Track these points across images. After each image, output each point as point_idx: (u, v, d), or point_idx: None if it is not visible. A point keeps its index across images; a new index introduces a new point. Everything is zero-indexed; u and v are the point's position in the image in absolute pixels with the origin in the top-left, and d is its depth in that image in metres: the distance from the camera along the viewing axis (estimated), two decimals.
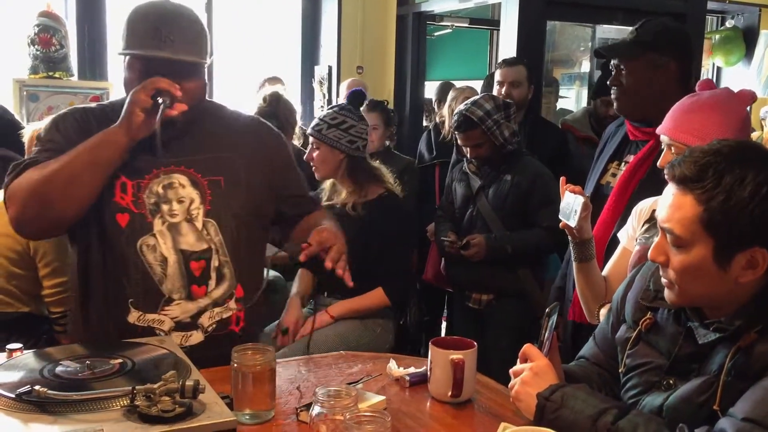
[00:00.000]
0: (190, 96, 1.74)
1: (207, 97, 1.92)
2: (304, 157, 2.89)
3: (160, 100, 1.66)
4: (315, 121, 2.84)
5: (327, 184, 2.90)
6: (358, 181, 2.76)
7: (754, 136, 5.28)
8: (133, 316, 1.76)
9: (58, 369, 1.40)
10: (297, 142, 3.54)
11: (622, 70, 2.28)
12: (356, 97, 2.88)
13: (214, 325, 1.82)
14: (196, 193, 1.80)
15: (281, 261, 2.94)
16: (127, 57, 1.77)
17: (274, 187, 1.95)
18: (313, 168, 2.84)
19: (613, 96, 2.33)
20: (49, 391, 1.24)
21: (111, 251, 1.76)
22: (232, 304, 1.86)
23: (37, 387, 1.24)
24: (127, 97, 1.74)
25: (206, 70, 1.83)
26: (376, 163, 2.89)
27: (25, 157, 1.79)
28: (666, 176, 1.33)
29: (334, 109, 2.82)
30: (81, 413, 1.23)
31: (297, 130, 3.59)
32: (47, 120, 1.85)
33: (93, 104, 1.89)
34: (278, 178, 1.97)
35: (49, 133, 1.79)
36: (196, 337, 1.79)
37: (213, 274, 1.81)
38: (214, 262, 1.81)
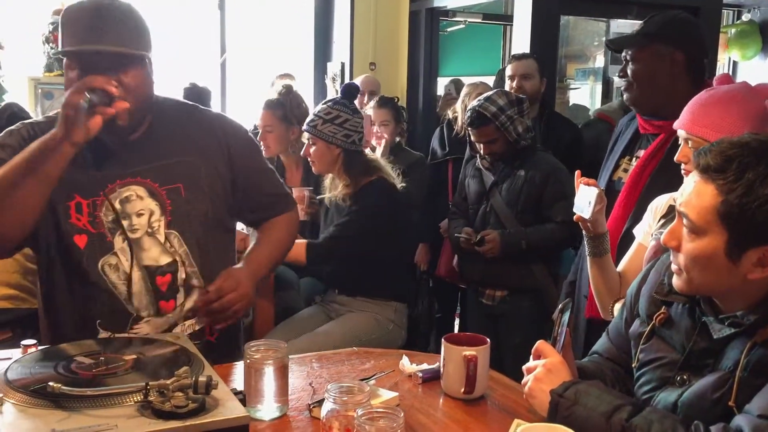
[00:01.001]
0: (132, 91, 1.64)
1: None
2: (301, 152, 2.90)
3: (89, 97, 1.53)
4: (309, 117, 2.84)
5: (327, 178, 2.91)
6: (354, 174, 2.76)
7: None
8: (103, 337, 1.71)
9: (73, 365, 1.40)
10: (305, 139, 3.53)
11: (630, 61, 2.28)
12: (349, 90, 2.87)
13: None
14: (156, 204, 1.74)
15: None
16: (65, 59, 1.67)
17: (238, 188, 1.87)
18: (311, 163, 2.85)
19: (622, 88, 2.34)
20: (63, 387, 1.24)
21: (74, 273, 1.71)
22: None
23: (51, 383, 1.25)
24: None
25: (150, 65, 1.72)
26: (373, 156, 2.89)
27: None
28: (692, 163, 1.32)
29: (328, 103, 2.82)
30: (95, 409, 1.24)
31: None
32: None
33: (41, 118, 1.79)
34: (242, 179, 1.88)
35: None
36: None
37: (181, 287, 1.77)
38: (181, 275, 1.76)
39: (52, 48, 3.94)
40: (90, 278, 1.70)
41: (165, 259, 1.75)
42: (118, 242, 1.72)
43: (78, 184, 1.69)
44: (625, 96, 2.33)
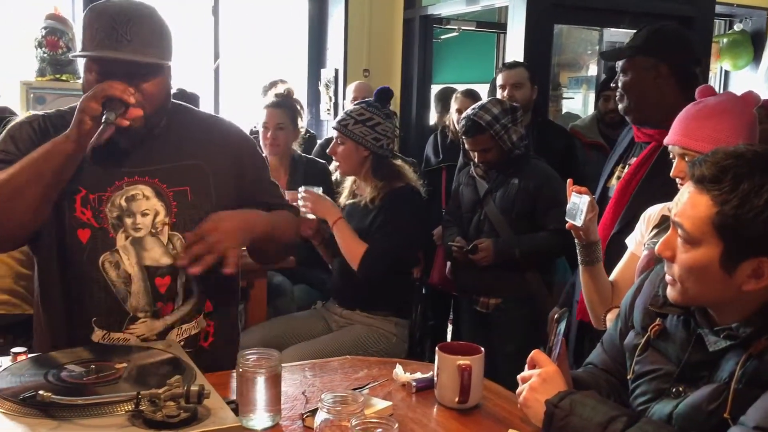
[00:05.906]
0: (149, 99, 1.65)
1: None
2: (327, 150, 2.86)
3: (105, 116, 1.54)
4: (341, 116, 2.80)
5: (348, 181, 2.88)
6: (381, 179, 2.73)
7: None
8: (97, 335, 1.70)
9: (63, 373, 1.39)
10: (297, 148, 3.49)
11: (621, 72, 2.34)
12: (384, 94, 2.85)
13: (182, 342, 1.74)
14: (161, 205, 1.72)
15: (287, 266, 2.93)
16: (85, 60, 1.67)
17: (245, 197, 1.85)
18: (336, 163, 2.81)
19: (617, 98, 2.39)
20: (54, 396, 1.23)
21: (72, 268, 1.69)
22: (200, 320, 1.79)
23: (41, 391, 1.23)
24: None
25: (170, 71, 1.73)
26: (399, 162, 2.87)
27: None
28: (687, 173, 1.32)
29: (362, 105, 2.78)
30: (85, 418, 1.22)
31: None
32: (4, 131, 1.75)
33: (52, 111, 1.77)
34: (249, 188, 1.87)
35: (3, 144, 1.69)
36: None
37: (180, 290, 1.75)
38: (181, 278, 1.74)
39: (44, 52, 3.92)
40: (89, 274, 1.68)
41: (166, 261, 1.72)
42: (121, 239, 1.70)
43: (85, 178, 1.67)
44: (619, 106, 2.38)
